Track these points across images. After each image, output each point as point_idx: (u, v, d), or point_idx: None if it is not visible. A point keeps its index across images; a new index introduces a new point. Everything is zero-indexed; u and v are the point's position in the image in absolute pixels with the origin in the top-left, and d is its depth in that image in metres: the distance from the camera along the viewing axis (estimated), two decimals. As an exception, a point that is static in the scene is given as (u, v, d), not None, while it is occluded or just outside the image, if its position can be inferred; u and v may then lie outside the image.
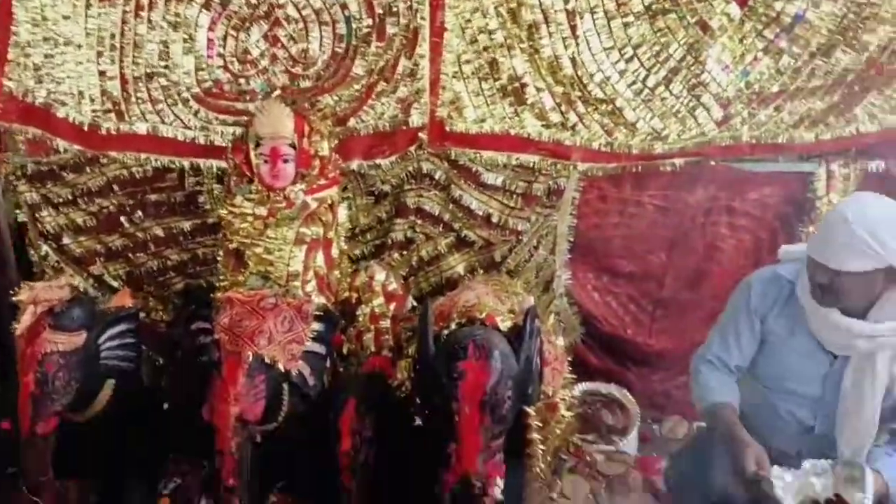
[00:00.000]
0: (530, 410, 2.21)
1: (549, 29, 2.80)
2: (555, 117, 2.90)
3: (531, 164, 2.97)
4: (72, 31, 2.81)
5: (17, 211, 3.06)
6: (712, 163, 2.94)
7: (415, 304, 2.96)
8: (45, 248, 3.11)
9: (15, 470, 2.76)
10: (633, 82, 2.84)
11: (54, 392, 2.28)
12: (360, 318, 2.76)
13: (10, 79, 2.83)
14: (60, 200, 3.06)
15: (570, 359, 2.73)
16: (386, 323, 2.76)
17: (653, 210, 3.13)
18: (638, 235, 3.17)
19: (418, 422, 2.41)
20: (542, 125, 2.92)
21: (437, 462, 2.11)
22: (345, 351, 2.75)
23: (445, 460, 2.07)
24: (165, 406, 2.81)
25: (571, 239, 3.17)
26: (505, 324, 2.28)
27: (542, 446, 2.28)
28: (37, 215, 3.08)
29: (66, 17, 2.80)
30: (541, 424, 2.28)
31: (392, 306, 2.81)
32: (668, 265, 3.21)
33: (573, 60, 2.84)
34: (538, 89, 2.88)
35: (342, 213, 2.87)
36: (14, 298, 2.41)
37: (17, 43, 2.80)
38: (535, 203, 3.07)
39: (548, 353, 2.38)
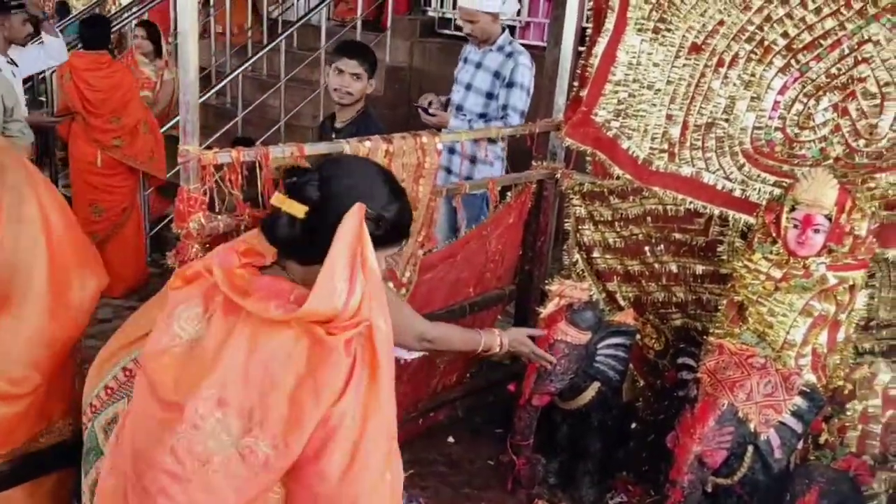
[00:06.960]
0: None
1: None
2: None
3: None
4: (656, 76, 3.16)
5: (566, 221, 3.54)
6: None
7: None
8: (577, 256, 3.52)
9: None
10: None
11: (554, 374, 2.68)
12: (849, 413, 2.58)
13: (600, 110, 3.28)
14: (601, 220, 3.43)
15: None
16: (877, 428, 2.54)
17: None
18: None
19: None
20: None
21: None
22: (821, 440, 2.61)
23: None
24: (634, 425, 3.06)
25: None
26: None
27: None
28: (579, 228, 3.49)
29: (655, 65, 3.15)
30: None
31: (888, 413, 2.56)
32: None
33: None
34: None
35: (861, 299, 2.69)
36: (546, 287, 2.90)
37: (611, 80, 3.24)
38: None
39: None
